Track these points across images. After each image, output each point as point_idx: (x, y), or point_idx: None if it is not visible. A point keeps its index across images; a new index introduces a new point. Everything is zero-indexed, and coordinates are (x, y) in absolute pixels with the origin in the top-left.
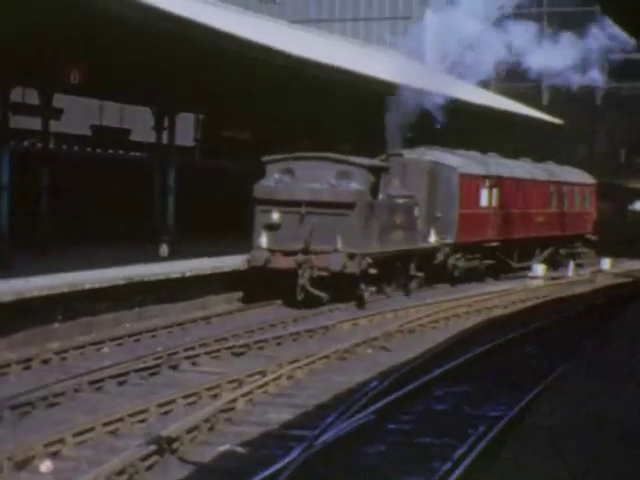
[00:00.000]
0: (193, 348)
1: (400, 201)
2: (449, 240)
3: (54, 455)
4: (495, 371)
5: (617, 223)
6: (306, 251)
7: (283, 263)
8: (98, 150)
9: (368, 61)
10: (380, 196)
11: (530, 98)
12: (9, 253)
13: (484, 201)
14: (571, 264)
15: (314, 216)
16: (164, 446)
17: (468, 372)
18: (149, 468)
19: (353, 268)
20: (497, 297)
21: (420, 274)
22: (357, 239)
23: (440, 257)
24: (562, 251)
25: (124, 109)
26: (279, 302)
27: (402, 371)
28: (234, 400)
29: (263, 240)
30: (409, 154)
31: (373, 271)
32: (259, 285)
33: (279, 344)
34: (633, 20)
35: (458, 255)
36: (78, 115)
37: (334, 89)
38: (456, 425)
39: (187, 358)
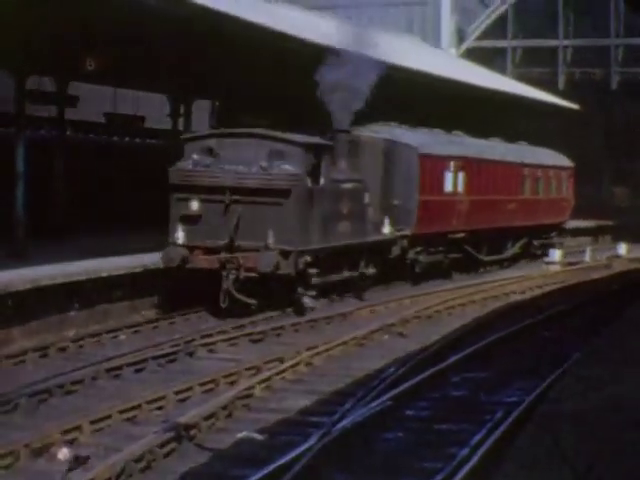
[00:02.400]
0: (210, 335)
1: (347, 186)
2: (407, 231)
3: (71, 442)
4: (512, 357)
5: (633, 208)
6: (231, 248)
7: (204, 263)
8: (115, 138)
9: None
10: (321, 180)
11: (546, 83)
12: (25, 241)
13: (449, 186)
14: (588, 249)
15: (241, 205)
16: (182, 433)
17: (484, 358)
18: (167, 455)
19: (288, 268)
20: (514, 283)
21: (371, 272)
22: (293, 233)
23: (396, 251)
24: (536, 242)
25: (138, 96)
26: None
27: (419, 357)
28: (252, 387)
29: (180, 235)
30: (360, 131)
31: (313, 271)
32: (178, 289)
33: (296, 331)
34: None
35: (418, 248)
36: (92, 102)
37: None
38: (473, 411)
39: (204, 345)
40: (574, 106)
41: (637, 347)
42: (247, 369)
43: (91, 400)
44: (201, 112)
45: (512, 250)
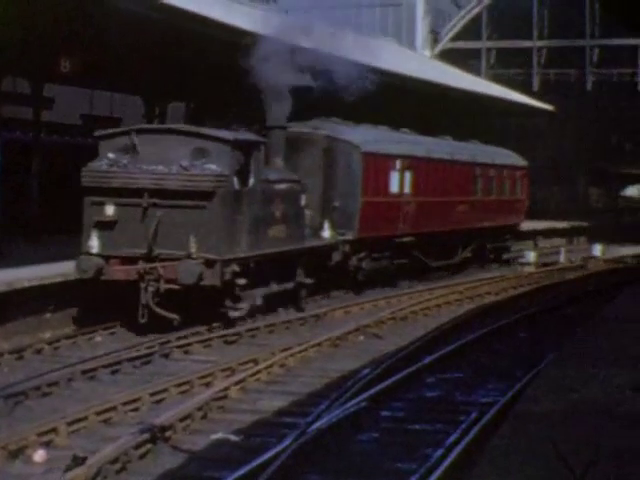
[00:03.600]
0: (185, 337)
1: (281, 187)
2: (350, 236)
3: (47, 444)
4: (487, 358)
5: (608, 209)
6: (150, 257)
7: (120, 274)
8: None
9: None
10: (251, 181)
11: (520, 84)
12: (0, 242)
13: (395, 187)
14: (562, 250)
15: (160, 210)
16: (157, 434)
17: (459, 359)
18: (142, 456)
19: (212, 279)
20: (488, 284)
21: (309, 281)
22: (218, 240)
23: (337, 257)
24: (489, 246)
25: (114, 98)
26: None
27: (394, 358)
28: (227, 388)
29: (94, 243)
30: (298, 127)
31: (242, 282)
32: (94, 301)
33: (271, 332)
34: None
35: (362, 254)
36: (68, 104)
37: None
38: (448, 412)
39: (179, 347)
40: (548, 107)
41: (612, 347)
42: (222, 370)
43: (67, 402)
44: (177, 114)
45: (463, 254)
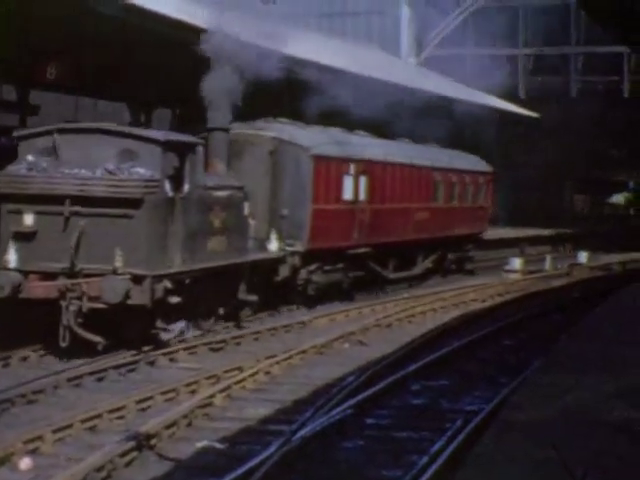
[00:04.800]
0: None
1: (220, 194)
2: (299, 247)
3: (33, 452)
4: (472, 365)
5: (594, 216)
6: (72, 273)
7: (39, 291)
8: None
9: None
10: (186, 187)
11: (506, 91)
12: None
13: (348, 193)
14: (548, 258)
15: (83, 219)
16: (143, 442)
17: (445, 366)
18: (128, 464)
19: (141, 298)
20: (474, 292)
21: (253, 298)
22: (147, 253)
23: (285, 271)
24: (451, 256)
25: (98, 104)
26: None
27: (379, 365)
28: (212, 396)
29: (12, 257)
30: (242, 128)
31: (175, 300)
32: (14, 320)
33: (256, 339)
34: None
35: (312, 267)
36: (53, 110)
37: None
38: (433, 419)
39: (165, 354)
40: (534, 114)
41: (597, 354)
42: (207, 378)
43: (53, 409)
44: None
45: (423, 265)
